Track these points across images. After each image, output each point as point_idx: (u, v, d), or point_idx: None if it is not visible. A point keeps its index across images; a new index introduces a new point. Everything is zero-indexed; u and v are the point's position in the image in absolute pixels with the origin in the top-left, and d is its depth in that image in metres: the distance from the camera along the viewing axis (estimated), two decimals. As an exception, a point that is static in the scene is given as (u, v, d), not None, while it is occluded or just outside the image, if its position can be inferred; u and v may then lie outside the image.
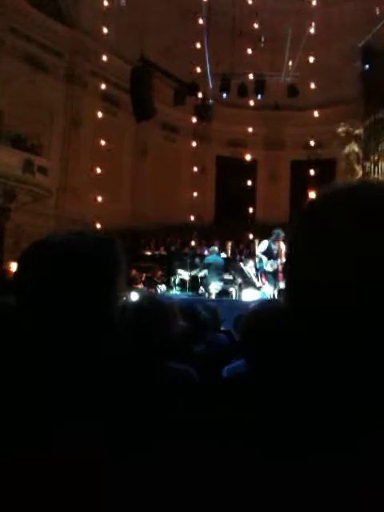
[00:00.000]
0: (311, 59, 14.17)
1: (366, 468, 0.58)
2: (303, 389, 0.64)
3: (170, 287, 12.32)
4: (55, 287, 0.91)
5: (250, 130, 16.46)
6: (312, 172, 16.35)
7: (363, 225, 0.62)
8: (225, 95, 16.28)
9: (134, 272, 12.37)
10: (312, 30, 13.96)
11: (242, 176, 18.00)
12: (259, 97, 16.56)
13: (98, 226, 12.17)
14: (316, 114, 16.49)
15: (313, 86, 14.65)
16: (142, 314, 2.19)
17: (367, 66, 15.85)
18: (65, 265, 0.93)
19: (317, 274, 0.62)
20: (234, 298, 11.13)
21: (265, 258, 10.34)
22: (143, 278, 12.64)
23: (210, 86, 15.13)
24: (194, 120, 16.38)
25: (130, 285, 11.87)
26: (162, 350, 2.16)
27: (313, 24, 13.87)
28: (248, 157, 17.04)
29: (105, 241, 1.00)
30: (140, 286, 12.28)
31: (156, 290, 11.70)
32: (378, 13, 13.95)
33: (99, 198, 13.57)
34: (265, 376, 1.69)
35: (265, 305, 2.17)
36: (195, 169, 17.02)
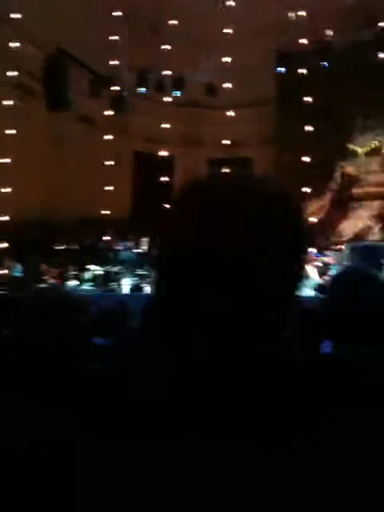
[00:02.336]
0: (228, 59, 14.40)
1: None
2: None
3: (81, 282, 12.11)
4: None
5: (168, 126, 16.50)
6: (228, 171, 16.60)
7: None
8: (143, 90, 16.20)
9: (44, 266, 12.06)
10: (229, 31, 14.18)
11: (159, 172, 18.01)
12: (178, 93, 16.64)
13: (6, 218, 11.71)
14: (233, 113, 16.78)
15: (230, 85, 14.90)
16: (43, 305, 2.19)
17: (282, 70, 16.32)
18: None
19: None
20: (147, 293, 11.11)
21: None
22: (54, 273, 12.34)
23: (127, 79, 15.00)
24: (111, 113, 16.18)
25: (41, 279, 11.56)
26: (63, 343, 2.13)
27: (230, 24, 14.09)
28: (165, 153, 17.08)
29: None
30: (51, 280, 11.97)
31: (66, 285, 11.45)
32: (292, 17, 14.40)
33: (6, 189, 12.99)
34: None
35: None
36: (112, 162, 16.81)
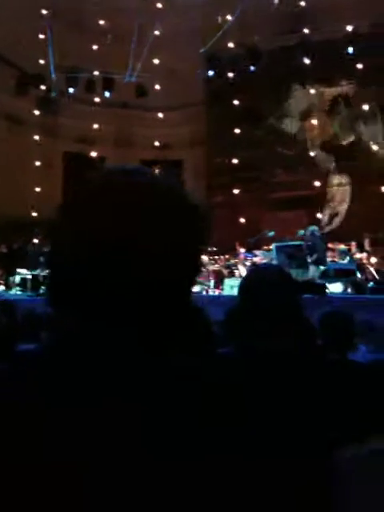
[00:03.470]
0: (157, 61, 14.42)
1: None
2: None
3: (9, 287, 11.76)
4: None
5: (98, 126, 16.32)
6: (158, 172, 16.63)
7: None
8: (72, 90, 15.94)
9: (-30, 271, 11.63)
10: (157, 32, 14.20)
11: (90, 173, 17.75)
12: (107, 94, 16.49)
13: None
14: (163, 115, 16.81)
15: (158, 87, 14.93)
16: None
17: (211, 73, 16.51)
18: None
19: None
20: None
21: None
22: (-19, 277, 11.94)
23: (53, 78, 14.72)
24: (38, 113, 15.83)
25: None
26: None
27: (158, 26, 14.12)
28: (96, 154, 16.88)
29: None
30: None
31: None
32: (219, 21, 14.60)
33: None
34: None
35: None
36: (41, 163, 16.44)
